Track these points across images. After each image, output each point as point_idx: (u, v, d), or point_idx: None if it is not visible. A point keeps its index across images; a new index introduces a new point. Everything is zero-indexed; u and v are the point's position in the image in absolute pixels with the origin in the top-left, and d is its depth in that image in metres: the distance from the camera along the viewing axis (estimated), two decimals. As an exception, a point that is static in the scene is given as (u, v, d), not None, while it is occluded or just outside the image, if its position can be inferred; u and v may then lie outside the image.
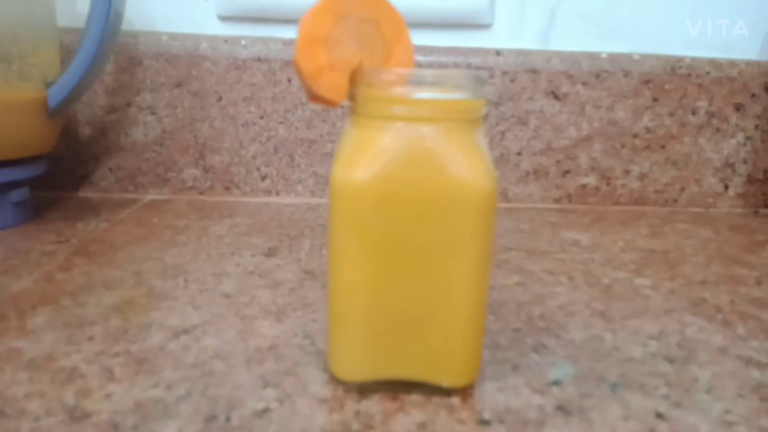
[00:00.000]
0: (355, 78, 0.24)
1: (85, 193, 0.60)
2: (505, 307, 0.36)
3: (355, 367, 0.26)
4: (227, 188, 0.61)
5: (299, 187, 0.61)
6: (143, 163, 0.60)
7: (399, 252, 0.24)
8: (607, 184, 0.63)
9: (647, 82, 0.61)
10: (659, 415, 0.25)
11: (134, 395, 0.25)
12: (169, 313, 0.33)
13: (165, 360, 0.28)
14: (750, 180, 0.64)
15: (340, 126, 0.60)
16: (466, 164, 0.23)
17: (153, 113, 0.59)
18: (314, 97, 0.25)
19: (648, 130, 0.62)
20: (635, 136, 0.62)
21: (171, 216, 0.54)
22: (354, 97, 0.25)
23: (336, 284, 0.25)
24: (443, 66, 0.59)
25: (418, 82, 0.24)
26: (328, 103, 0.25)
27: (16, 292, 0.36)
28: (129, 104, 0.59)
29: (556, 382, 0.27)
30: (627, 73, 0.61)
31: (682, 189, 0.63)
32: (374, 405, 0.25)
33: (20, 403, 0.24)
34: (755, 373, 0.29)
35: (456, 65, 0.59)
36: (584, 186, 0.63)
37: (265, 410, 0.24)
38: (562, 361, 0.29)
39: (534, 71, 0.60)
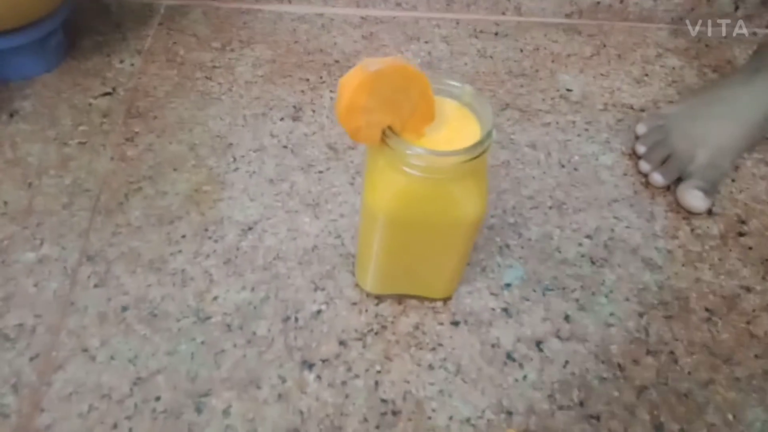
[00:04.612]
0: (385, 134, 0.29)
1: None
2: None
3: (374, 285, 0.39)
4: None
5: (311, -6, 0.61)
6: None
7: (408, 246, 0.34)
8: (621, 1, 0.62)
9: None
10: (566, 317, 0.39)
11: (232, 298, 0.39)
12: (232, 206, 0.44)
13: (243, 261, 0.41)
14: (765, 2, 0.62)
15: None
16: (467, 201, 0.31)
17: None
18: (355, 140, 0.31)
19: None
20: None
21: (194, 44, 0.56)
22: (385, 144, 0.30)
23: (362, 246, 0.36)
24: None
25: (434, 148, 0.29)
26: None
27: (104, 175, 0.45)
28: None
29: (508, 285, 0.41)
30: None
31: (692, 9, 0.62)
32: (386, 308, 0.39)
33: (162, 306, 0.38)
34: (647, 276, 0.42)
35: None
36: (598, 3, 0.62)
37: (319, 312, 0.39)
38: (516, 263, 0.42)
39: None
